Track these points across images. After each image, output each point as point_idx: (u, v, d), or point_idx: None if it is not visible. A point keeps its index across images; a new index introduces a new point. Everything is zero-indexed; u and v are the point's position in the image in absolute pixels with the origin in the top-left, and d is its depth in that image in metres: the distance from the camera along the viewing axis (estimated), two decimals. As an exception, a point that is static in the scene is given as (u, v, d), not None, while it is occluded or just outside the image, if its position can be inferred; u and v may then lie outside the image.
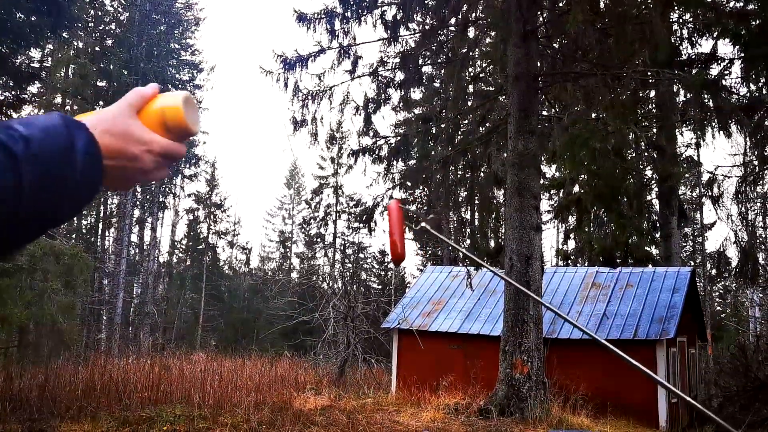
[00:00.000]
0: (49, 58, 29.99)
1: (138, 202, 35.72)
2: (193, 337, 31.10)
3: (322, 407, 11.03)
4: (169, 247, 41.20)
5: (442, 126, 16.05)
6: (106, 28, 35.59)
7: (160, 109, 0.91)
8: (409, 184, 17.55)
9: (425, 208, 18.13)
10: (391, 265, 40.08)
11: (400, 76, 15.20)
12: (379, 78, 15.02)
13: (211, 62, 76.60)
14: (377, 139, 15.61)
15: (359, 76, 14.70)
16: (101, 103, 34.78)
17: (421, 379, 14.22)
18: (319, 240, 41.95)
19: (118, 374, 11.04)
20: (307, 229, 43.22)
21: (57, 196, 0.79)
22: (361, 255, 40.21)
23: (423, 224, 1.63)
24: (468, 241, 24.86)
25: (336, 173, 39.49)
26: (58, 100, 31.00)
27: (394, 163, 15.94)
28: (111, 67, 33.43)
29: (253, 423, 8.67)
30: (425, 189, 17.87)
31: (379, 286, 36.77)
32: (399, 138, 16.41)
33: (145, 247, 35.83)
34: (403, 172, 16.59)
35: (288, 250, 46.21)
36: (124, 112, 0.89)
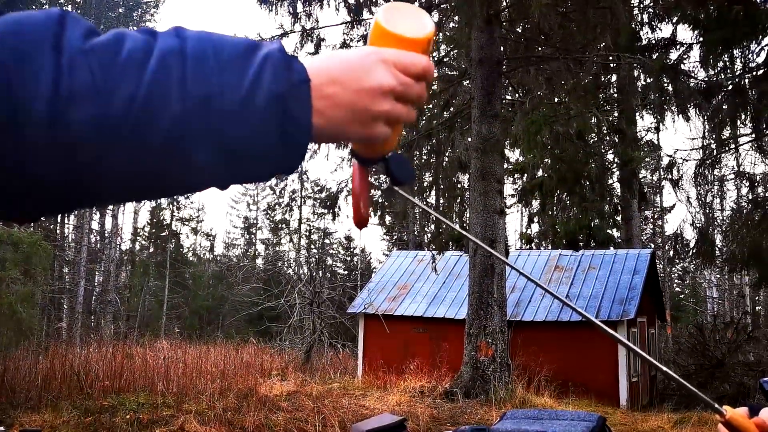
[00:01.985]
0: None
1: (98, 189, 34.94)
2: (156, 325, 30.72)
3: (287, 393, 11.00)
4: (131, 234, 40.55)
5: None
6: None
7: (375, 23, 0.70)
8: (373, 168, 17.48)
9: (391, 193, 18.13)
10: (357, 251, 40.11)
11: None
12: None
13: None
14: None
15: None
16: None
17: (387, 363, 14.27)
18: (284, 226, 41.73)
19: (79, 363, 10.83)
20: (272, 215, 42.95)
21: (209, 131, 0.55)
22: (327, 241, 40.14)
23: (392, 187, 1.55)
24: (432, 226, 24.96)
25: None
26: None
27: (359, 147, 15.87)
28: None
29: (218, 410, 8.60)
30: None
31: (345, 272, 36.77)
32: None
33: (106, 235, 35.19)
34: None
35: (253, 236, 45.86)
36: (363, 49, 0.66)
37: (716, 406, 0.97)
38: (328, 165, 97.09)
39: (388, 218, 30.50)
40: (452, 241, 22.35)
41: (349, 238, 39.47)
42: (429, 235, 24.02)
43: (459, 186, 21.67)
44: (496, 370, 11.72)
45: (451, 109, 16.97)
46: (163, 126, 0.54)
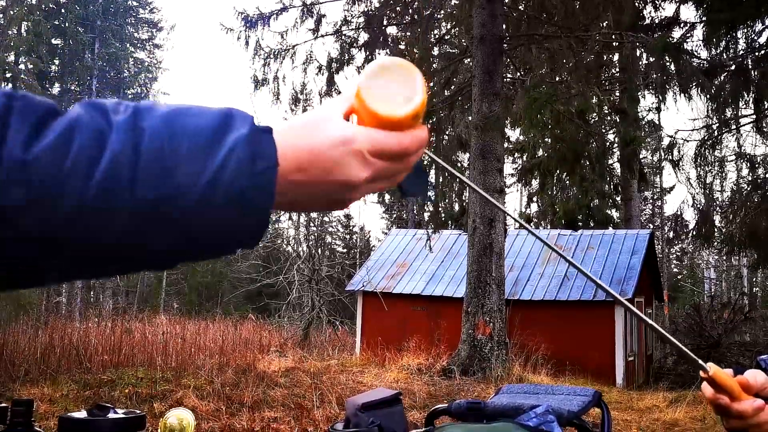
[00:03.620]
0: (1, 15, 28.87)
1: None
2: (156, 301, 30.82)
3: (286, 369, 11.06)
4: (130, 210, 40.47)
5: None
6: (60, -18, 34.33)
7: (357, 89, 0.62)
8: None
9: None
10: (356, 229, 40.13)
11: (364, 36, 14.98)
12: (343, 38, 14.78)
13: (171, 21, 74.63)
14: (341, 100, 15.42)
15: (323, 36, 14.45)
16: (56, 61, 33.70)
17: (385, 340, 14.33)
18: (283, 203, 41.57)
19: (78, 337, 10.87)
20: (272, 192, 42.78)
21: (170, 207, 0.52)
22: (326, 218, 40.11)
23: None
24: (431, 205, 24.94)
25: (300, 136, 39.06)
26: (11, 58, 29.91)
27: (359, 125, 15.81)
28: (66, 24, 32.31)
29: (216, 385, 8.65)
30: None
31: (344, 250, 36.81)
32: (363, 100, 16.23)
33: (105, 211, 35.13)
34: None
35: (252, 213, 45.79)
36: (328, 104, 0.62)
37: (701, 362, 1.00)
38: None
39: (387, 197, 30.46)
40: (451, 219, 22.34)
41: (348, 216, 39.45)
42: (428, 214, 24.01)
43: (459, 164, 21.61)
44: (493, 349, 11.77)
45: (452, 87, 16.86)
46: (115, 230, 0.52)
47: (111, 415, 1.77)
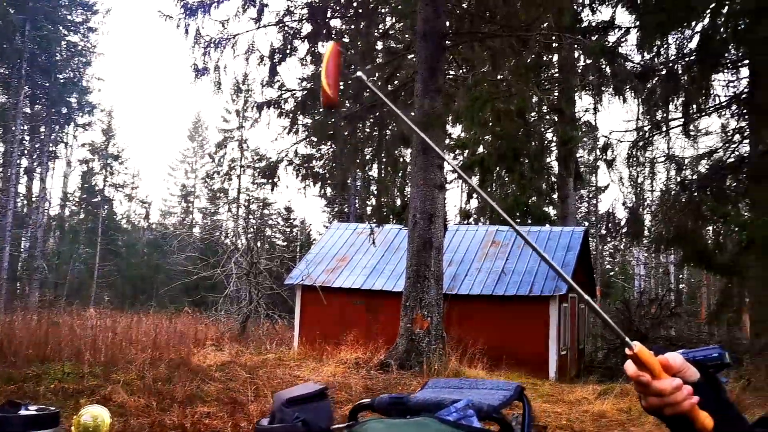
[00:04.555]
0: None
1: (26, 151, 33.57)
2: (86, 294, 29.88)
3: (221, 363, 10.90)
4: (60, 199, 39.13)
5: (350, 82, 15.86)
6: (-11, -40, 32.76)
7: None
8: (314, 139, 17.29)
9: (332, 164, 17.99)
10: (297, 222, 39.85)
11: (307, 27, 14.84)
12: (286, 28, 14.61)
13: (106, 4, 72.29)
14: (283, 91, 15.26)
15: (265, 26, 14.24)
16: (-16, 42, 32.16)
17: (324, 334, 14.29)
18: (222, 195, 41.02)
19: (2, 330, 10.45)
20: (211, 183, 42.16)
21: None
22: (266, 211, 39.67)
23: (360, 74, 1.55)
24: (374, 199, 24.98)
25: (241, 126, 38.54)
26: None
27: (300, 117, 15.67)
28: (-5, 3, 30.88)
29: (147, 380, 8.44)
30: (332, 145, 17.69)
31: (284, 243, 36.52)
32: (306, 92, 16.10)
33: (33, 199, 33.85)
34: (309, 126, 16.32)
35: (190, 204, 44.96)
36: None
37: (627, 340, 1.05)
38: (269, 134, 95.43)
39: (328, 190, 30.33)
40: (393, 214, 22.41)
41: (288, 209, 39.13)
42: (370, 208, 24.03)
43: (401, 160, 21.70)
44: (430, 342, 11.88)
45: (396, 82, 16.89)
46: None
47: (22, 412, 1.70)
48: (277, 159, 15.62)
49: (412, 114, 13.18)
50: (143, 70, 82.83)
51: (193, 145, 45.69)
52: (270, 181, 15.71)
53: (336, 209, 35.85)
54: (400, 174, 20.17)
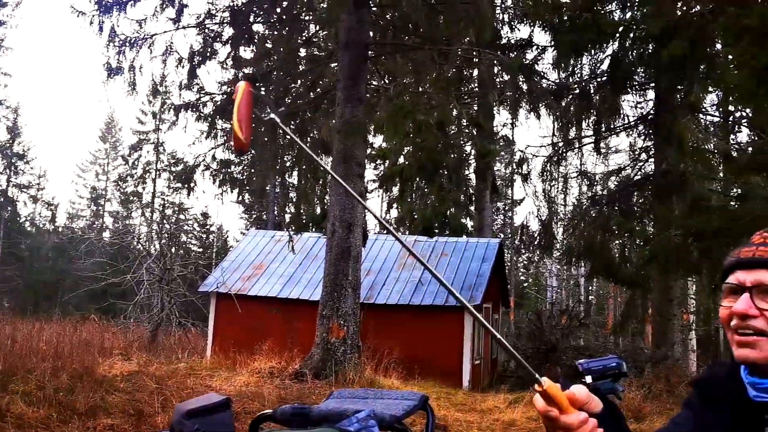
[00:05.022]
0: None
1: None
2: (-15, 299, 28.22)
3: (129, 373, 10.47)
4: (-41, 199, 36.84)
5: (271, 88, 15.69)
6: None
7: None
8: (233, 145, 16.98)
9: (250, 170, 17.72)
10: (213, 228, 39.02)
11: (229, 31, 14.58)
12: (206, 31, 14.31)
13: (18, -4, 68.91)
14: (202, 95, 14.93)
15: (184, 27, 13.91)
16: None
17: (238, 343, 14.00)
18: (136, 198, 39.67)
19: None
20: (124, 186, 40.68)
21: None
22: (182, 216, 38.63)
23: (272, 115, 1.47)
24: (293, 207, 24.74)
25: (158, 129, 37.47)
26: None
27: (219, 121, 15.37)
28: None
29: (48, 390, 8.00)
30: (251, 151, 17.42)
31: (200, 249, 35.66)
32: (226, 96, 15.82)
33: (-72, 198, 31.77)
34: (227, 131, 16.03)
35: (101, 207, 43.26)
36: None
37: (537, 376, 1.08)
38: (186, 137, 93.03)
39: (247, 196, 29.88)
40: (312, 222, 22.25)
41: (205, 215, 38.27)
42: (289, 215, 23.80)
43: (321, 168, 21.61)
44: (346, 352, 11.84)
45: (318, 90, 16.84)
46: None
47: None
48: (194, 163, 15.25)
49: (333, 123, 13.16)
50: (54, 66, 79.37)
51: (105, 147, 44.05)
52: (186, 185, 15.31)
53: (254, 216, 35.32)
54: (320, 182, 20.09)
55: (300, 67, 17.09)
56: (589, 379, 1.47)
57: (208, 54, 14.33)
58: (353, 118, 12.64)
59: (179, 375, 10.87)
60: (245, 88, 1.44)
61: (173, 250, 20.07)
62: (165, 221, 36.58)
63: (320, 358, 11.74)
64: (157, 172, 37.45)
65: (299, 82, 17.16)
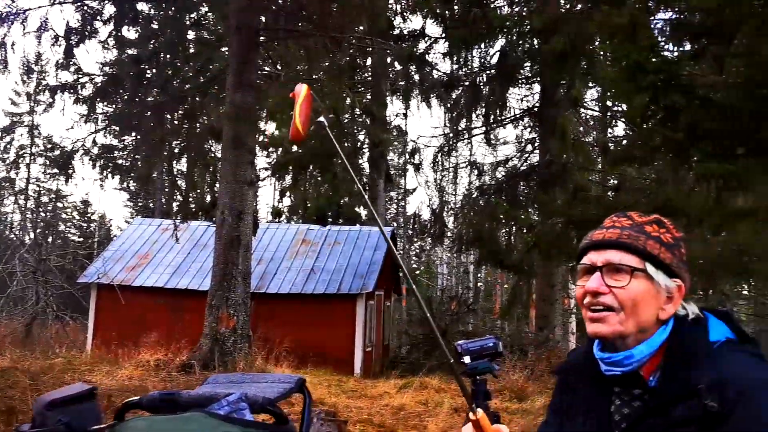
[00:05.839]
0: None
1: None
2: None
3: (0, 369, 9.80)
4: None
5: (156, 70, 15.07)
6: None
7: None
8: (116, 128, 16.16)
9: (135, 156, 16.96)
10: (95, 217, 37.12)
11: (110, 9, 13.86)
12: (85, 8, 13.52)
13: None
14: (80, 76, 14.11)
15: (60, 2, 13.09)
16: None
17: (122, 336, 13.41)
18: (8, 185, 37.02)
19: None
20: (-5, 171, 37.92)
21: None
22: (59, 204, 36.44)
23: (322, 119, 1.71)
24: (182, 196, 23.95)
25: (32, 111, 35.09)
26: None
27: (100, 104, 14.60)
28: None
29: None
30: (136, 136, 16.66)
31: (80, 239, 33.81)
32: (107, 78, 15.04)
33: None
34: (109, 115, 15.26)
35: (-32, 194, 40.11)
36: None
37: (473, 406, 1.24)
38: (64, 121, 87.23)
39: (132, 184, 28.60)
40: (201, 210, 21.63)
41: (86, 203, 36.25)
42: (177, 203, 22.99)
43: (211, 155, 21.04)
44: (236, 342, 11.63)
45: (208, 74, 16.33)
46: None
47: None
48: (72, 148, 14.42)
49: (221, 109, 12.83)
50: None
51: (-27, 129, 40.81)
52: (64, 171, 14.47)
53: (140, 204, 33.89)
54: (210, 169, 19.56)
55: (189, 49, 16.50)
56: (467, 359, 1.49)
57: (87, 32, 13.55)
58: (244, 103, 12.36)
59: (56, 370, 10.29)
60: (308, 91, 1.69)
61: (50, 239, 18.93)
62: (40, 209, 34.37)
63: (209, 348, 11.46)
64: (32, 157, 35.13)
65: (188, 65, 16.58)
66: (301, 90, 1.67)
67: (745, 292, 17.65)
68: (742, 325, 1.25)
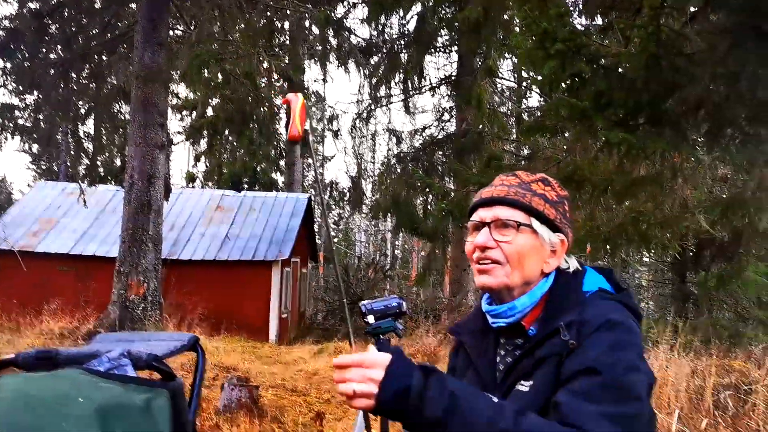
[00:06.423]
0: None
1: None
2: None
3: None
4: None
5: (59, 27, 14.24)
6: None
7: None
8: (17, 86, 15.22)
9: (37, 116, 16.05)
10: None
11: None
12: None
13: None
14: (-25, 28, 13.16)
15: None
16: None
17: (24, 304, 12.84)
18: None
19: None
20: None
21: None
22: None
23: (306, 127, 2.19)
24: (88, 159, 22.91)
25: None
26: None
27: (0, 60, 13.70)
28: None
29: None
30: (39, 95, 15.75)
31: (-22, 204, 31.95)
32: (7, 33, 14.11)
33: None
34: (9, 72, 14.35)
35: None
36: None
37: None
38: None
39: (35, 146, 27.11)
40: (110, 174, 20.81)
41: (-15, 166, 34.18)
42: (83, 167, 21.99)
43: (120, 117, 20.18)
44: (146, 309, 11.34)
45: (115, 31, 15.56)
46: None
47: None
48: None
49: (130, 69, 12.27)
50: None
51: None
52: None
53: (44, 167, 32.23)
54: (119, 131, 18.76)
55: (95, 4, 15.65)
56: (371, 318, 1.50)
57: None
58: (153, 63, 11.88)
59: (-51, 341, 9.78)
60: (304, 101, 2.11)
61: (-57, 203, 17.75)
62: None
63: (117, 316, 11.14)
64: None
65: (95, 21, 15.73)
66: (298, 99, 2.08)
67: (645, 259, 18.58)
68: (619, 280, 1.31)
